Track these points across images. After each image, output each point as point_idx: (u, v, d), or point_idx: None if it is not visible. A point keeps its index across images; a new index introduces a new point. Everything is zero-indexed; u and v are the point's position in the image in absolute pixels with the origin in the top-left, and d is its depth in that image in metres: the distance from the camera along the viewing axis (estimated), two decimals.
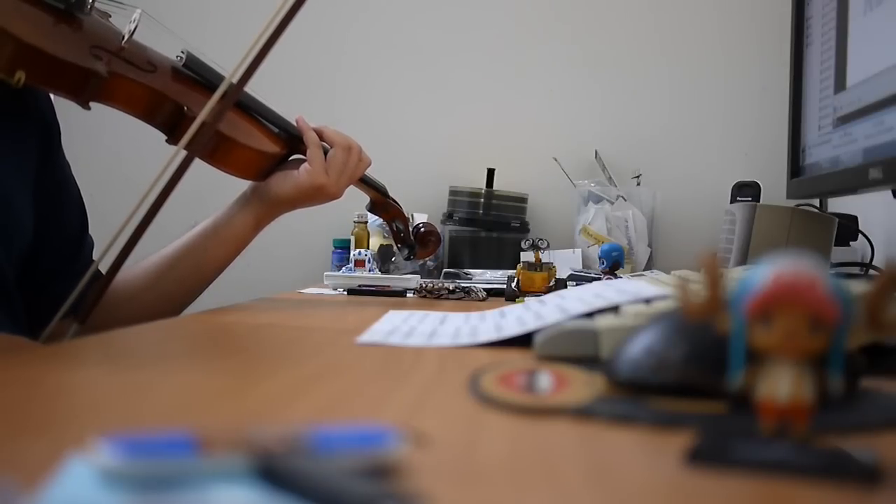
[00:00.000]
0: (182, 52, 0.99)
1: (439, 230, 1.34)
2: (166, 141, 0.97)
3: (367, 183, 1.16)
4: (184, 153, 0.90)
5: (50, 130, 0.96)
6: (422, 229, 1.23)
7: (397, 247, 1.24)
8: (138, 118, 0.96)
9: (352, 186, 1.11)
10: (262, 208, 1.06)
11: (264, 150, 1.03)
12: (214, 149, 0.99)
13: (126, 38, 0.94)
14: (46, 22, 0.87)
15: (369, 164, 1.11)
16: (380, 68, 2.00)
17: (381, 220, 1.23)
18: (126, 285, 1.02)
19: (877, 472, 0.30)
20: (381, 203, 1.20)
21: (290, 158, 1.08)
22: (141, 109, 0.95)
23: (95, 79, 0.88)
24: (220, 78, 0.96)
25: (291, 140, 1.07)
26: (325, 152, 1.06)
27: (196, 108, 0.93)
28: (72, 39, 0.89)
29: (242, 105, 1.03)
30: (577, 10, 1.97)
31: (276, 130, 1.06)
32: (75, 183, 1.02)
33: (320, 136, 1.07)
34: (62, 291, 0.89)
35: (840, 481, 0.29)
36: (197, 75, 1.00)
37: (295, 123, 1.07)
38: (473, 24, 2.00)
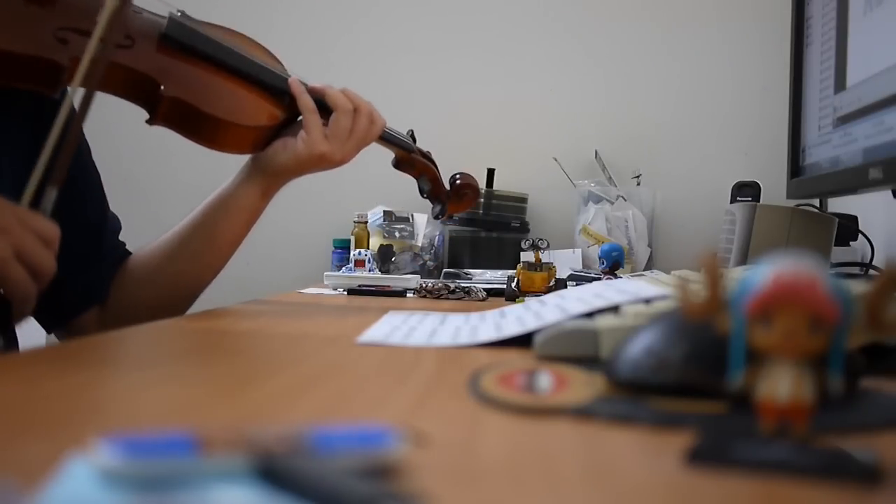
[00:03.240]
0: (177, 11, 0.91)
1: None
2: (147, 121, 0.91)
3: (388, 140, 1.06)
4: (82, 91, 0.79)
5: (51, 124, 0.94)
6: (458, 181, 1.12)
7: (432, 203, 1.12)
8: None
9: (378, 149, 1.03)
10: (266, 179, 1.00)
11: (254, 125, 0.95)
12: (198, 128, 0.91)
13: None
14: (7, 11, 0.78)
15: (384, 126, 1.02)
16: (379, 68, 2.00)
17: (409, 176, 1.11)
18: (143, 266, 1.00)
19: (877, 472, 0.30)
20: (406, 159, 1.09)
21: (298, 121, 0.98)
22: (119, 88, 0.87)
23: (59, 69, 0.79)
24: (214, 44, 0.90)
25: (292, 103, 0.97)
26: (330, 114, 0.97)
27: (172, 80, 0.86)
28: (35, 27, 0.80)
29: (231, 68, 0.94)
30: (578, 10, 1.97)
31: (272, 94, 0.97)
32: (95, 169, 0.98)
33: (323, 97, 0.97)
34: (86, 282, 0.87)
35: (840, 481, 0.29)
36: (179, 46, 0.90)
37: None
38: (473, 23, 2.00)
